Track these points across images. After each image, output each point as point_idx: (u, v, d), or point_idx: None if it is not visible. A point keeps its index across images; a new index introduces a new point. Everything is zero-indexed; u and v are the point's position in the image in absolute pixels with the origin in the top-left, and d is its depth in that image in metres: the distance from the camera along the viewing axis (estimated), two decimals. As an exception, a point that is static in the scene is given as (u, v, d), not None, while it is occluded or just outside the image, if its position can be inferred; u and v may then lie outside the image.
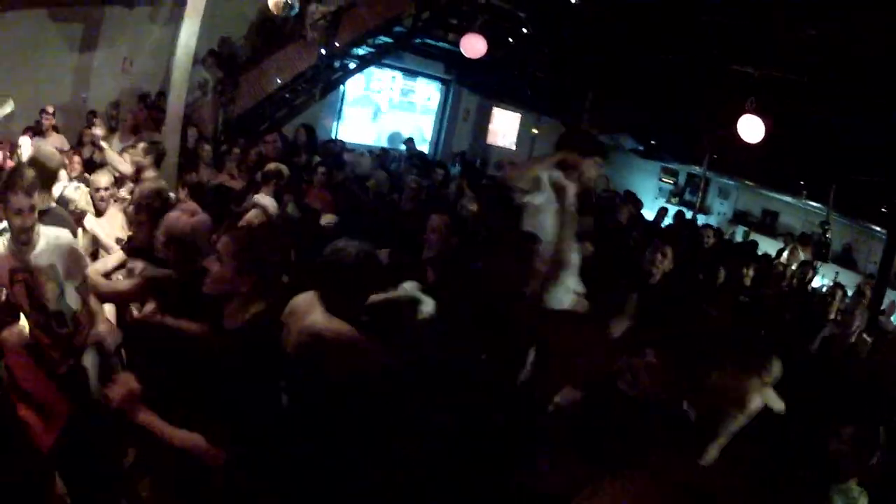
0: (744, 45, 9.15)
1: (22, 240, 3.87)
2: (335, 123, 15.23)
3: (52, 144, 7.72)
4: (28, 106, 8.85)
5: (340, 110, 15.42)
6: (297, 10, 11.20)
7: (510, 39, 12.55)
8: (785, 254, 13.00)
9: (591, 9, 11.05)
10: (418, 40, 13.93)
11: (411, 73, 16.55)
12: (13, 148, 8.06)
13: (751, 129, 8.87)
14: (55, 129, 8.99)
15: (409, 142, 15.12)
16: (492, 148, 18.26)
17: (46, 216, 4.33)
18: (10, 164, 7.77)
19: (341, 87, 14.56)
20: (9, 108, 7.42)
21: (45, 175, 4.55)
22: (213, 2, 7.87)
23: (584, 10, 11.17)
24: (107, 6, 11.74)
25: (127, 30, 11.81)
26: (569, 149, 4.49)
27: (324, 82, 12.93)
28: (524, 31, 12.49)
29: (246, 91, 11.65)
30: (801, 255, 12.73)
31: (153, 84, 11.78)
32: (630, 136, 15.38)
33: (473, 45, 11.13)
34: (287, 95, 12.37)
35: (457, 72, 16.63)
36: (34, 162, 4.73)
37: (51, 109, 8.91)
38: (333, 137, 13.91)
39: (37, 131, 8.93)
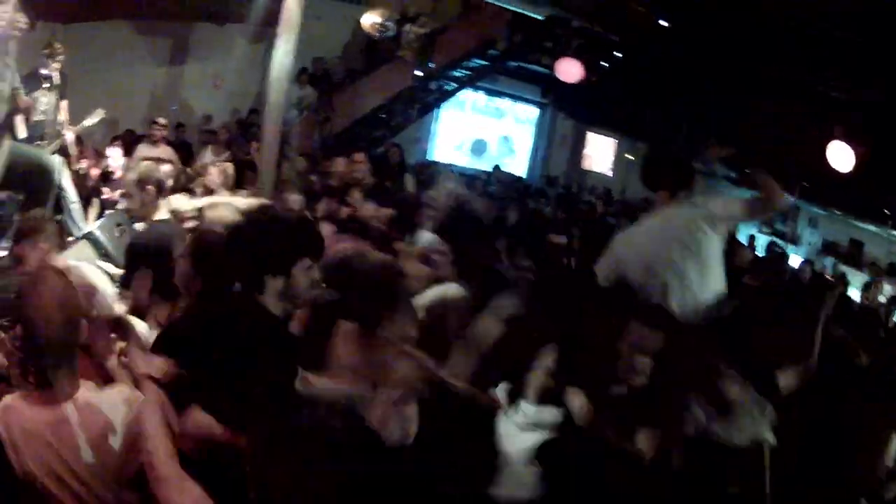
0: (833, 68, 8.66)
1: None
2: (430, 145, 15.14)
3: (162, 155, 7.67)
4: (117, 117, 8.76)
5: (435, 132, 15.29)
6: (392, 32, 10.99)
7: (604, 63, 12.23)
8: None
9: (681, 33, 10.66)
10: (513, 64, 13.79)
11: (507, 96, 16.32)
12: (98, 156, 7.98)
13: (841, 156, 8.35)
14: (165, 140, 8.90)
15: (498, 169, 14.87)
16: (587, 173, 17.81)
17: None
18: (95, 171, 7.68)
19: (436, 108, 14.44)
20: (97, 117, 7.29)
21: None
22: (304, 21, 7.74)
23: (674, 34, 10.79)
24: (196, 22, 11.74)
25: (216, 46, 11.73)
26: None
27: (420, 103, 12.81)
28: (617, 55, 12.14)
29: (342, 111, 11.59)
30: (887, 290, 12.00)
31: (243, 101, 11.66)
32: (722, 162, 14.82)
33: (569, 70, 10.98)
34: (383, 116, 12.27)
35: (552, 95, 16.30)
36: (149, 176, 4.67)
37: (163, 121, 8.82)
38: (428, 159, 13.88)
39: (139, 140, 8.84)
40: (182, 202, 5.25)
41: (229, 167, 6.63)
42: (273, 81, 7.33)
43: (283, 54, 7.32)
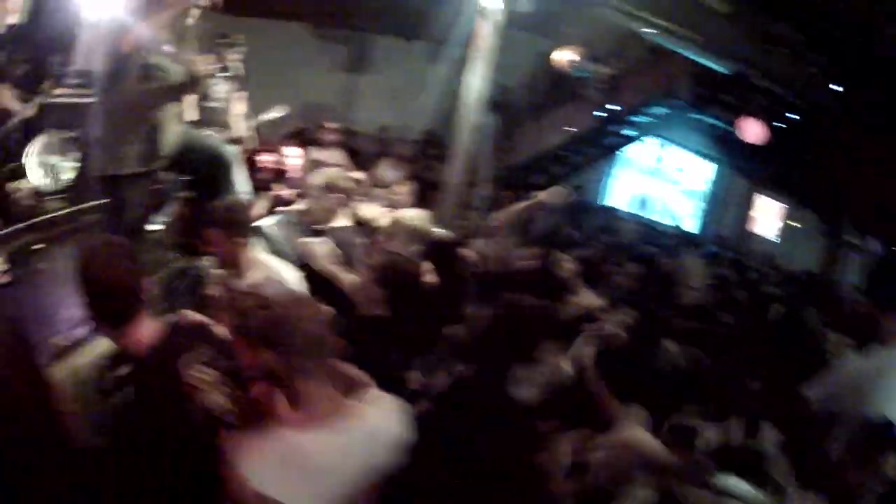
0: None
1: None
2: (605, 188, 14.83)
3: (334, 160, 7.56)
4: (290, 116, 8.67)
5: (611, 175, 15.00)
6: (586, 72, 10.71)
7: (782, 125, 11.55)
8: None
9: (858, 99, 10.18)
10: (692, 114, 13.37)
11: (682, 146, 15.86)
12: (273, 152, 7.84)
13: None
14: (336, 144, 8.77)
15: (677, 229, 14.34)
16: (753, 236, 16.88)
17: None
18: (268, 167, 7.53)
19: (616, 153, 14.19)
20: (279, 113, 7.28)
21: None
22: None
23: (852, 102, 10.36)
24: (378, 35, 11.68)
25: (394, 61, 11.61)
26: None
27: (600, 146, 12.54)
28: (795, 117, 11.48)
29: (523, 143, 11.44)
30: None
31: (418, 119, 11.49)
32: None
33: (750, 129, 10.85)
34: (564, 154, 12.06)
35: (725, 151, 15.61)
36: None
37: (334, 126, 8.68)
38: (603, 203, 13.60)
39: (311, 141, 8.72)
40: (371, 211, 5.03)
41: (416, 186, 6.42)
42: (465, 106, 7.12)
43: (476, 80, 7.16)
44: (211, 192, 4.85)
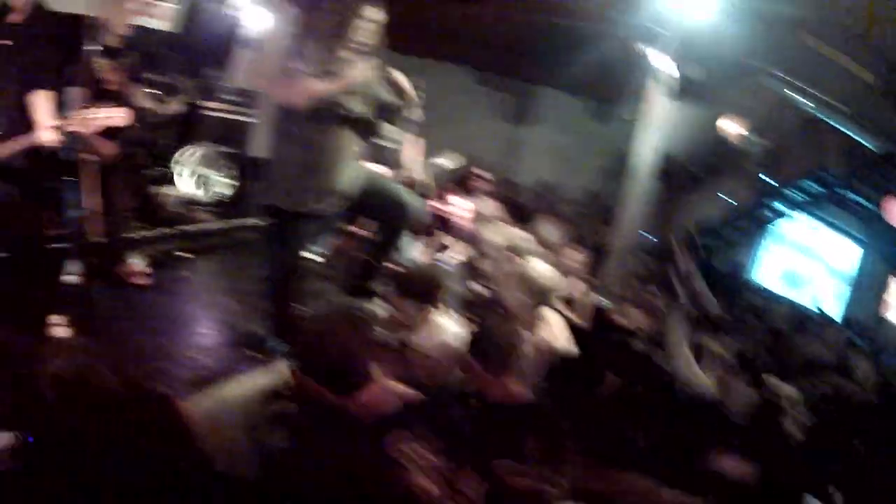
0: None
1: None
2: (757, 263, 14.47)
3: (486, 210, 7.57)
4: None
5: (763, 250, 14.62)
6: (750, 144, 10.50)
7: None
8: None
9: None
10: (841, 192, 12.56)
11: (831, 224, 15.05)
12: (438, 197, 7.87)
13: None
14: (493, 195, 8.77)
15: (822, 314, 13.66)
16: (885, 321, 15.91)
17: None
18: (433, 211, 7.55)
19: (768, 226, 13.76)
20: (454, 162, 7.37)
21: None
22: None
23: None
24: (544, 87, 11.67)
25: (559, 115, 11.60)
26: None
27: (754, 220, 12.36)
28: None
29: (684, 211, 11.38)
30: None
31: (579, 176, 11.42)
32: None
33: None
34: (718, 226, 11.85)
35: (868, 232, 14.76)
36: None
37: (487, 175, 8.71)
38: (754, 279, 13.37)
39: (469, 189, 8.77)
40: (544, 273, 4.83)
41: (585, 254, 6.26)
42: (633, 171, 7.01)
43: (647, 146, 7.06)
44: (386, 239, 4.92)
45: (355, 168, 4.53)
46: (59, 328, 4.33)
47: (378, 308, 4.50)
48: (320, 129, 4.24)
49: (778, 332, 8.62)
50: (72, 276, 5.20)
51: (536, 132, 11.72)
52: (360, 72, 4.28)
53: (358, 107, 4.32)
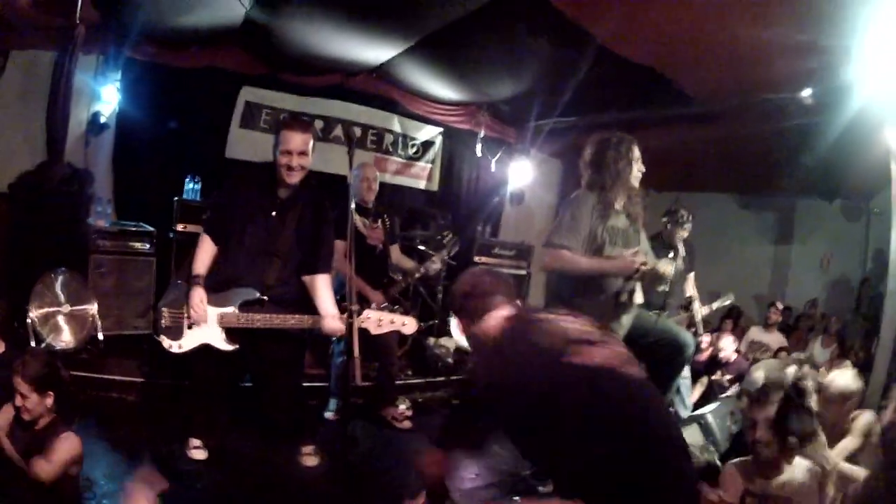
0: None
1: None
2: None
3: (775, 342, 7.06)
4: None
5: None
6: None
7: None
8: None
9: None
10: None
11: None
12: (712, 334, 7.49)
13: None
14: (780, 326, 8.30)
15: None
16: None
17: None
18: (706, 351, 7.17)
19: None
20: (728, 300, 7.15)
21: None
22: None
23: None
24: (802, 198, 11.01)
25: (822, 224, 10.81)
26: None
27: None
28: None
29: None
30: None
31: (846, 287, 10.52)
32: None
33: None
34: None
35: None
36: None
37: (780, 305, 8.27)
38: None
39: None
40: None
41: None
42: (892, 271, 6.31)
43: None
44: (661, 384, 4.70)
45: (631, 312, 4.43)
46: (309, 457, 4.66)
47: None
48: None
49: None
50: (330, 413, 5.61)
51: (804, 247, 10.96)
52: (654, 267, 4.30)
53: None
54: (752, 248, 10.96)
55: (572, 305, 3.62)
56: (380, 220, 5.92)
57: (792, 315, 9.74)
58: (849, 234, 10.39)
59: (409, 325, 4.60)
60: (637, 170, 4.42)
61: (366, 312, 4.36)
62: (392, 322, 4.48)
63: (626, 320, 4.38)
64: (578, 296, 4.18)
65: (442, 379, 7.08)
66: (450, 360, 7.27)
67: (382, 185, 6.85)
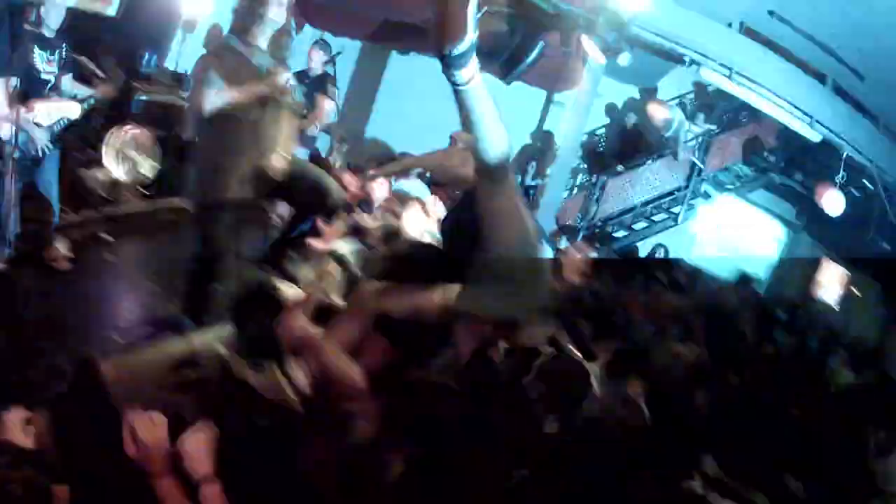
0: None
1: None
2: (690, 247, 14.61)
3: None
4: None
5: (691, 233, 14.66)
6: (678, 131, 10.84)
7: (861, 195, 11.77)
8: None
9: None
10: (775, 178, 13.49)
11: (762, 209, 15.37)
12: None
13: None
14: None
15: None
16: (813, 301, 16.39)
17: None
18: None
19: (697, 210, 13.92)
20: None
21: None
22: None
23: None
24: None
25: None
26: None
27: (685, 205, 12.53)
28: (879, 189, 11.42)
29: (612, 195, 11.55)
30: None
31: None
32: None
33: (832, 201, 10.77)
34: (649, 209, 12.13)
35: (805, 217, 15.25)
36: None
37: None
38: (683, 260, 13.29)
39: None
40: None
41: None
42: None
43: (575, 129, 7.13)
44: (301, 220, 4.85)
45: (285, 155, 4.39)
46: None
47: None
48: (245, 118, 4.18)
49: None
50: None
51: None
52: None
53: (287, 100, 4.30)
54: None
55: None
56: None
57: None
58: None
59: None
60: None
61: None
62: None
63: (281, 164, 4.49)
64: None
65: (96, 214, 6.73)
66: (102, 192, 6.91)
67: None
